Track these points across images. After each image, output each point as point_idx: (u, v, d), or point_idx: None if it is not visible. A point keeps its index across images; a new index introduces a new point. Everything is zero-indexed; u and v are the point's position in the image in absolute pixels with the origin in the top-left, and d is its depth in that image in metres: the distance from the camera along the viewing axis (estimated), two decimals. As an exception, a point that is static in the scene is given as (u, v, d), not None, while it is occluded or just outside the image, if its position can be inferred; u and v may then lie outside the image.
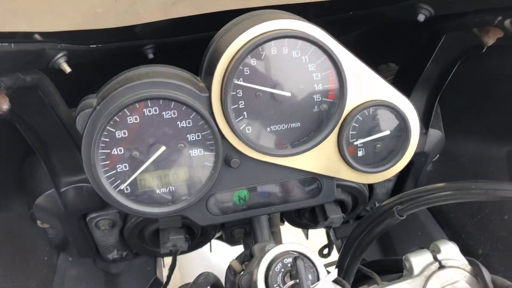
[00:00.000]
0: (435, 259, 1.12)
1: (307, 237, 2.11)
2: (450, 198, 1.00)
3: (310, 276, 1.04)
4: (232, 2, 1.12)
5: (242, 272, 1.35)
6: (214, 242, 1.95)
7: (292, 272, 1.05)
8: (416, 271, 1.11)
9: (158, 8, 1.09)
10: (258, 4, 1.15)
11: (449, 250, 1.13)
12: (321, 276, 1.06)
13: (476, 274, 1.08)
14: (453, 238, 1.70)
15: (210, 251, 1.97)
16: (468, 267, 1.10)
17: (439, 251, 1.13)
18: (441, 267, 1.10)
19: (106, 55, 1.26)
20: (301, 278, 1.01)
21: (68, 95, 1.32)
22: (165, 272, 1.90)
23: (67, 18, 1.00)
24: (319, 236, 2.31)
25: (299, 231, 2.09)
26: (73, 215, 1.53)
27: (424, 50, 1.43)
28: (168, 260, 2.18)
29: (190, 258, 2.99)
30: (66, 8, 0.97)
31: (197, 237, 1.76)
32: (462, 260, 1.11)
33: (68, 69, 1.10)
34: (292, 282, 1.04)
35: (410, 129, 1.26)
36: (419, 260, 1.12)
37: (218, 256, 2.32)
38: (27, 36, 0.99)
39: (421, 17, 1.23)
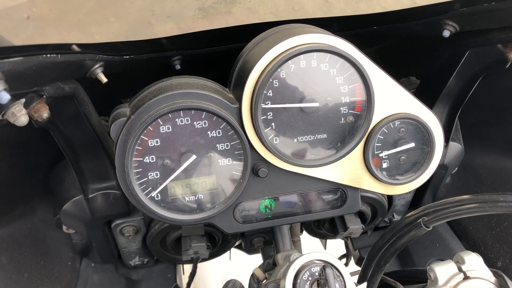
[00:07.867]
0: (460, 270, 1.13)
1: (325, 247, 2.12)
2: (477, 211, 1.01)
3: (337, 285, 1.06)
4: (246, 17, 1.16)
5: (265, 281, 1.37)
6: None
7: (320, 281, 1.07)
8: (441, 281, 1.12)
9: (173, 25, 1.14)
10: (272, 19, 1.18)
11: (474, 261, 1.14)
12: (348, 285, 1.08)
13: (500, 285, 1.10)
14: (471, 250, 1.70)
15: (229, 259, 1.99)
16: (493, 279, 1.11)
17: (463, 262, 1.14)
18: (466, 278, 1.12)
19: (137, 65, 1.29)
20: (331, 286, 1.03)
21: (95, 103, 1.35)
22: (184, 279, 1.92)
23: (102, 32, 1.04)
24: (334, 246, 2.33)
25: (316, 241, 2.10)
26: (99, 221, 1.56)
27: (446, 65, 1.44)
28: (187, 268, 2.21)
29: (203, 267, 3.00)
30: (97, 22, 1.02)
31: (218, 245, 1.79)
32: (486, 272, 1.12)
33: (104, 79, 1.14)
34: (320, 290, 1.06)
35: (434, 142, 1.28)
36: (443, 270, 1.13)
37: (231, 265, 2.33)
38: (64, 47, 1.02)
39: (446, 33, 1.25)
